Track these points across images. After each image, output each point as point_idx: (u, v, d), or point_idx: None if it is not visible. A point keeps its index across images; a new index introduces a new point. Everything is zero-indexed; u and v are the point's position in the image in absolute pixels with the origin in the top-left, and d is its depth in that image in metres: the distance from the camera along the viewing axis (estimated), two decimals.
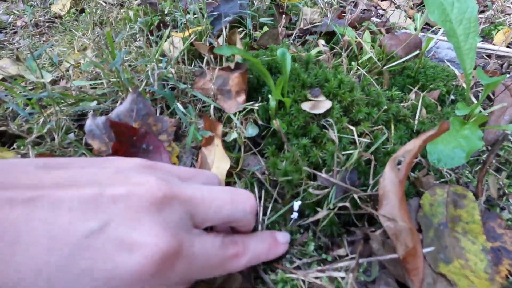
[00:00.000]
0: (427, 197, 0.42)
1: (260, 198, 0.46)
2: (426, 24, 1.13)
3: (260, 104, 0.53)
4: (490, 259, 0.36)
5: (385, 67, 0.65)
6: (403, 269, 0.33)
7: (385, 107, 0.51)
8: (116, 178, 0.26)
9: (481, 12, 1.23)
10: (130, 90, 0.54)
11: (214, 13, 0.77)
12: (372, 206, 0.40)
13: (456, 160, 0.41)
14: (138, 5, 1.03)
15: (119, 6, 1.10)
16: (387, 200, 0.35)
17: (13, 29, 1.11)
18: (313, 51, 0.67)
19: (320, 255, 0.41)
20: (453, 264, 0.36)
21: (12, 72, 0.76)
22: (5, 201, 0.21)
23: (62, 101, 0.61)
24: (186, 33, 0.72)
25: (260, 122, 0.53)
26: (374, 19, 1.08)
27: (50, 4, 1.22)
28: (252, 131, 0.52)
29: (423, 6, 1.24)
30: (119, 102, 0.57)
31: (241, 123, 0.53)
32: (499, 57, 0.89)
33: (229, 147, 0.52)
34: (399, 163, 0.43)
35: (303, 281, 0.36)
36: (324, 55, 0.69)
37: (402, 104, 0.58)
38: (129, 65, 0.74)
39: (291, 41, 0.79)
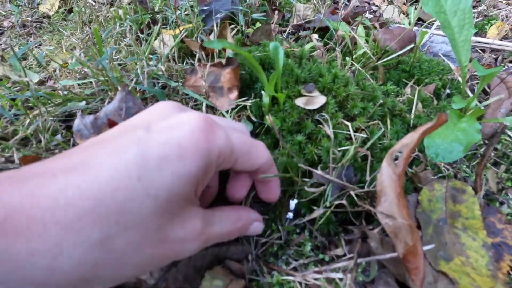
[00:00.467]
0: (426, 193, 0.41)
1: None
2: (420, 19, 1.12)
3: (253, 100, 0.52)
4: (491, 255, 0.35)
5: (379, 62, 0.64)
6: (403, 268, 0.32)
7: (381, 101, 0.50)
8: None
9: (474, 7, 1.23)
10: (119, 88, 0.53)
11: (205, 8, 0.75)
12: (369, 203, 0.38)
13: (454, 154, 0.40)
14: (129, 3, 1.01)
15: (109, 5, 1.08)
16: (385, 196, 0.33)
17: (0, 29, 1.08)
18: (307, 46, 0.66)
19: (317, 255, 0.39)
20: (454, 262, 0.35)
21: None
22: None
23: (49, 101, 0.59)
24: (177, 31, 0.70)
25: (253, 119, 0.51)
26: (367, 15, 1.07)
27: (38, 4, 1.19)
28: None
29: (416, 1, 1.24)
30: (106, 101, 0.55)
31: (234, 120, 0.52)
32: (493, 51, 0.89)
33: None
34: (396, 158, 0.42)
35: (300, 283, 0.34)
36: (318, 50, 0.68)
37: (397, 98, 0.57)
38: (119, 64, 0.72)
39: (284, 37, 0.78)
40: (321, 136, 0.47)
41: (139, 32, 0.79)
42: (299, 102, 0.50)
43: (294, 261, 0.38)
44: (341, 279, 0.33)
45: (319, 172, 0.39)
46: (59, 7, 1.15)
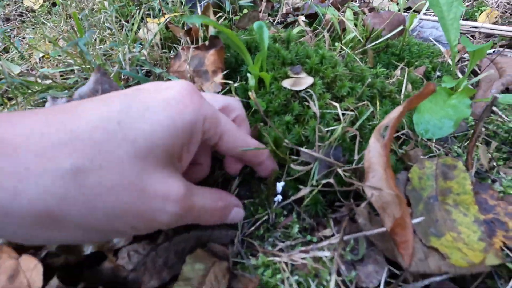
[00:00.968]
0: (416, 171, 0.40)
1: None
2: (409, 8, 1.12)
3: (239, 83, 0.50)
4: (483, 230, 0.34)
5: (369, 45, 0.63)
6: (392, 243, 0.31)
7: (369, 80, 0.49)
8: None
9: None
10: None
11: None
12: (358, 181, 0.37)
13: (444, 130, 0.38)
14: None
15: None
16: (373, 172, 0.32)
17: None
18: (295, 30, 0.65)
19: (304, 237, 0.38)
20: (445, 238, 0.34)
21: None
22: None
23: (29, 90, 0.57)
24: (162, 19, 0.68)
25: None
26: (356, 3, 1.06)
27: None
28: None
29: None
30: (80, 84, 0.53)
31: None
32: (483, 36, 0.88)
33: None
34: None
35: (286, 263, 0.33)
36: (307, 36, 0.66)
37: (387, 80, 0.56)
38: (104, 54, 0.70)
39: (273, 24, 0.76)
40: (308, 118, 0.46)
41: (123, 22, 0.77)
42: (286, 83, 0.48)
43: (280, 243, 0.37)
44: (328, 258, 0.32)
45: (305, 150, 0.38)
46: (44, 1, 1.13)
